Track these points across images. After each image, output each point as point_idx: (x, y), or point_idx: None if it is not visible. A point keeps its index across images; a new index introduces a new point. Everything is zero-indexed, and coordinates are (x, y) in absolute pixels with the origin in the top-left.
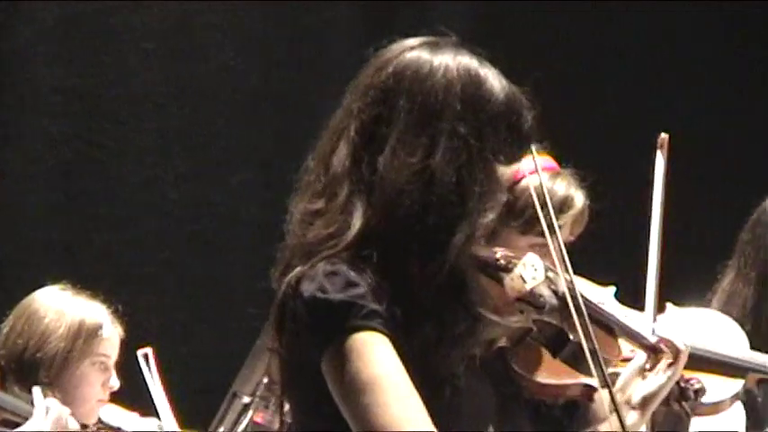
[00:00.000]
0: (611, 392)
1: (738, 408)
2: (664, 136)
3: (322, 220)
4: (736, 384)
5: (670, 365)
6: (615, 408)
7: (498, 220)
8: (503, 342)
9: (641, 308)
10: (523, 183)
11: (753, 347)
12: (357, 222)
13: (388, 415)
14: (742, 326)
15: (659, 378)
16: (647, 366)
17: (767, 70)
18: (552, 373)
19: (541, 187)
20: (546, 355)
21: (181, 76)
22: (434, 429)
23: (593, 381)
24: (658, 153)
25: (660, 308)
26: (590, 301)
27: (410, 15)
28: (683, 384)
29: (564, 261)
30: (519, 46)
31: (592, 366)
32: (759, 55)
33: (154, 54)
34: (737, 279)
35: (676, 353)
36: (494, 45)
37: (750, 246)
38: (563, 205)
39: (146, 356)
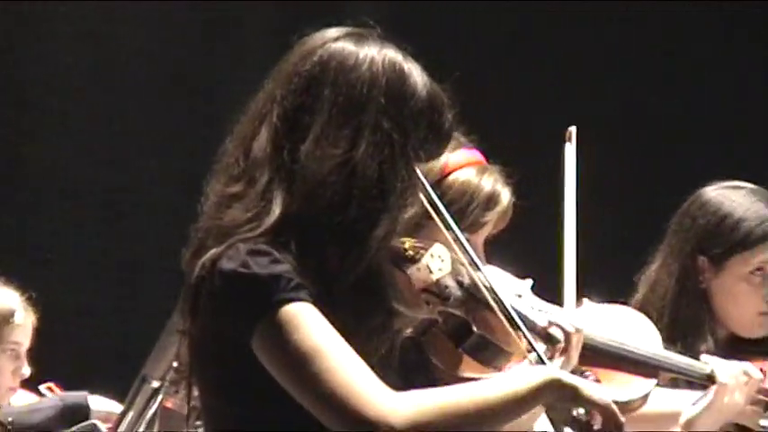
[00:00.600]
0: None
1: None
2: (571, 129)
3: (240, 204)
4: (648, 384)
5: (564, 351)
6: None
7: (424, 213)
8: (408, 332)
9: (559, 302)
10: (451, 177)
11: (670, 339)
12: (276, 209)
13: (339, 378)
14: (661, 316)
15: (555, 364)
16: (548, 356)
17: (675, 62)
18: (469, 366)
19: (425, 191)
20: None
21: (96, 60)
22: (383, 384)
23: None
24: (567, 145)
25: (577, 302)
26: (497, 295)
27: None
28: (579, 374)
29: (469, 254)
30: (430, 44)
31: (495, 358)
32: (668, 46)
33: (71, 38)
34: (662, 268)
35: (567, 336)
36: (404, 43)
37: (676, 236)
38: (489, 201)
39: (50, 389)
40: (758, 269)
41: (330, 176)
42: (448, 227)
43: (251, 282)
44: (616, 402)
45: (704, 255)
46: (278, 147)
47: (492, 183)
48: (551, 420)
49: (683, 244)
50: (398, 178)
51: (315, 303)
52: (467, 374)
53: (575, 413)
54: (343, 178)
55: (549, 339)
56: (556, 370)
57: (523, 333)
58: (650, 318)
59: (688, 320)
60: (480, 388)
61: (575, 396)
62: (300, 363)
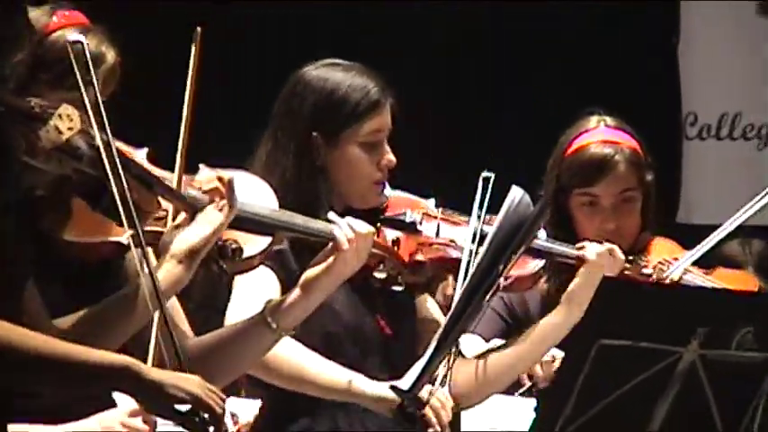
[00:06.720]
0: (142, 248)
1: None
2: (198, 30)
3: None
4: (264, 241)
5: (219, 224)
6: (149, 269)
7: (29, 73)
8: (40, 192)
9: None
10: (54, 36)
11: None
12: None
13: None
14: (285, 196)
15: (203, 229)
16: (186, 224)
17: None
18: (84, 232)
19: (83, 46)
20: (82, 212)
21: None
22: None
23: (124, 239)
24: (192, 46)
25: (194, 169)
26: (128, 156)
27: None
28: (220, 243)
29: (100, 114)
30: None
31: (125, 219)
32: None
33: None
34: (276, 150)
35: (228, 206)
36: None
37: (287, 117)
38: (95, 60)
39: None
40: (368, 138)
41: None
42: (88, 86)
43: None
44: (242, 260)
45: (317, 131)
46: None
47: (96, 42)
48: None
49: (295, 124)
50: (5, 26)
51: None
52: (77, 239)
53: None
54: None
55: (192, 208)
56: (140, 365)
57: (155, 192)
58: None
59: (309, 198)
60: (65, 345)
61: (158, 392)
62: None
